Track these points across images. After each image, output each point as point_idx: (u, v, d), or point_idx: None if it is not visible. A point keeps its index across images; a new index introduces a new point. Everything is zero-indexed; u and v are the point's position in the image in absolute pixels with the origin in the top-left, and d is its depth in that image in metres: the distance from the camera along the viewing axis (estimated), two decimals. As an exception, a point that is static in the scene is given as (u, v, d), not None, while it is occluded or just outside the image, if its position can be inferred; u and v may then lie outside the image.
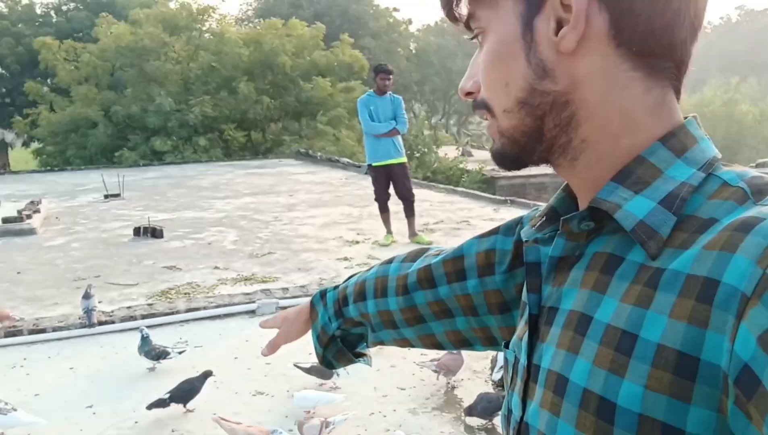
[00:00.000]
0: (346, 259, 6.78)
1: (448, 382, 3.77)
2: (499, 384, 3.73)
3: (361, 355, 1.08)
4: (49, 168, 19.74)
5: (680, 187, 0.54)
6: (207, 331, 4.74)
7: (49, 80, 24.06)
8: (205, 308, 5.06)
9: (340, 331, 1.05)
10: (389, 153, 7.04)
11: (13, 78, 26.76)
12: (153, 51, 20.83)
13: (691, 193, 0.54)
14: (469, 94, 0.64)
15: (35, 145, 23.96)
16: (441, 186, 12.51)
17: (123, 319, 4.82)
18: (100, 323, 4.72)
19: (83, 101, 20.50)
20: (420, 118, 26.20)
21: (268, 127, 21.63)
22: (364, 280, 1.01)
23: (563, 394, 0.54)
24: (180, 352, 4.09)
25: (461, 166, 18.85)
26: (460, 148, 22.38)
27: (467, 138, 29.84)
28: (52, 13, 29.09)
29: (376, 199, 7.34)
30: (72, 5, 28.79)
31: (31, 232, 8.62)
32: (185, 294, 5.69)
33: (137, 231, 8.22)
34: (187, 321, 4.92)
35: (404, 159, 7.24)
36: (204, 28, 23.11)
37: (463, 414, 3.39)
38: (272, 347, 1.10)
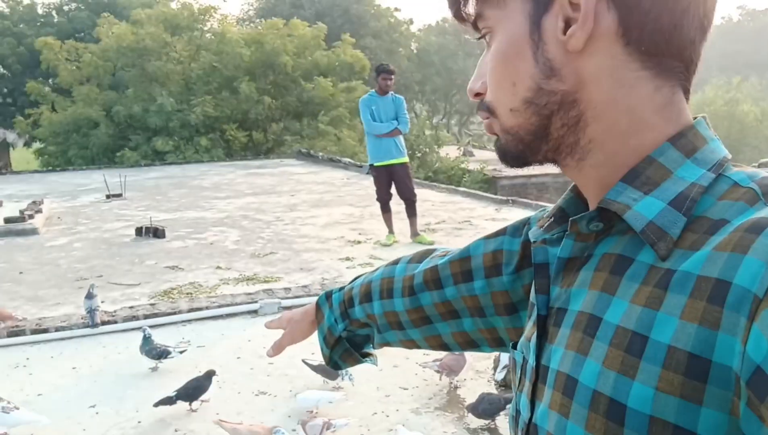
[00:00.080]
0: (348, 259, 6.78)
1: (451, 382, 3.77)
2: (502, 384, 3.73)
3: (368, 355, 1.08)
4: (50, 168, 19.75)
5: (690, 188, 0.54)
6: (209, 331, 4.74)
7: (50, 80, 24.07)
8: (207, 308, 5.06)
9: (347, 332, 1.04)
10: (391, 153, 7.04)
11: (15, 78, 26.79)
12: (154, 51, 20.85)
13: (701, 194, 0.53)
14: (478, 94, 0.64)
15: (37, 145, 23.97)
16: (442, 186, 12.51)
17: (125, 319, 4.82)
18: (103, 323, 4.73)
19: (85, 101, 20.52)
20: (421, 118, 26.17)
21: (270, 127, 21.64)
22: (370, 281, 1.01)
23: (572, 396, 0.54)
24: (181, 352, 4.09)
25: (463, 166, 18.83)
26: (462, 148, 22.36)
27: (468, 138, 29.82)
28: (54, 13, 29.12)
29: (377, 199, 7.34)
30: (73, 5, 28.81)
31: (34, 232, 8.62)
32: (187, 294, 5.69)
33: (139, 231, 8.23)
34: (189, 321, 4.92)
35: (406, 159, 7.24)
36: (205, 28, 23.12)
37: (466, 412, 3.39)
38: (277, 348, 1.10)
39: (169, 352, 4.01)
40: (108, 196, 11.61)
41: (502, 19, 0.59)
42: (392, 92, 7.14)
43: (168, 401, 3.44)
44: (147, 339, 4.03)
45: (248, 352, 4.31)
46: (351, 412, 3.46)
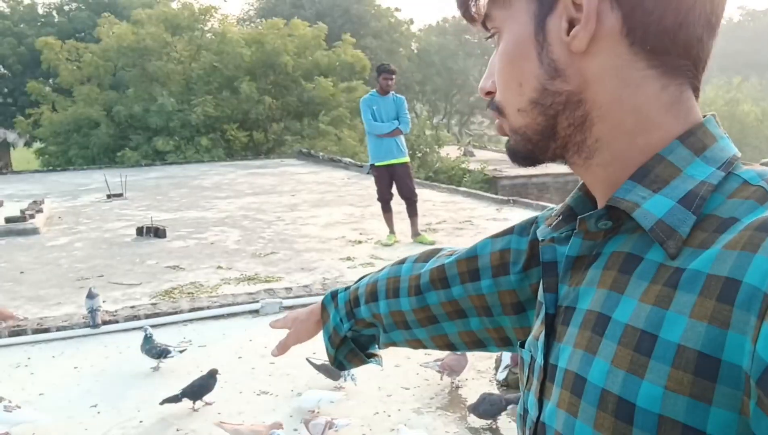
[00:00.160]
0: (349, 258, 6.78)
1: (453, 382, 3.77)
2: (504, 384, 3.73)
3: (373, 355, 1.07)
4: (51, 168, 19.75)
5: (699, 186, 0.54)
6: (211, 331, 4.74)
7: (51, 80, 24.07)
8: (208, 308, 5.06)
9: (352, 332, 1.04)
10: (392, 153, 7.04)
11: (16, 78, 26.80)
12: (155, 51, 20.85)
13: (710, 192, 0.53)
14: (489, 93, 0.64)
15: (37, 144, 23.98)
16: (443, 186, 12.50)
17: (127, 319, 4.82)
18: (104, 323, 4.73)
19: (85, 101, 20.52)
20: (422, 118, 26.16)
21: (270, 127, 21.64)
22: (376, 280, 1.01)
23: (581, 395, 0.54)
24: (181, 351, 4.09)
25: (463, 166, 18.83)
26: (462, 148, 22.34)
27: (469, 138, 29.80)
28: (54, 13, 29.12)
29: (378, 199, 7.35)
30: (74, 5, 28.81)
31: (34, 231, 8.62)
32: (188, 294, 5.69)
33: (140, 231, 8.23)
34: (190, 320, 4.92)
35: (407, 159, 7.24)
36: (206, 28, 23.13)
37: (467, 412, 3.38)
38: (282, 348, 1.10)
39: (169, 352, 4.02)
40: (109, 196, 11.61)
41: (508, 20, 0.60)
42: (393, 92, 7.14)
43: (174, 399, 3.45)
44: (148, 338, 4.04)
45: (250, 351, 4.31)
46: (353, 411, 3.47)
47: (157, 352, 4.01)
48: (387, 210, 7.33)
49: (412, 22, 36.06)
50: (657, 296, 0.51)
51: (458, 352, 3.61)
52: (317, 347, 3.53)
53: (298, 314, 1.11)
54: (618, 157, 0.58)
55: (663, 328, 0.49)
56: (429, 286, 0.92)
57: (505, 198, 10.53)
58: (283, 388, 3.77)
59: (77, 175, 16.09)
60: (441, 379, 3.80)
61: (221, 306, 5.09)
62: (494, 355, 4.00)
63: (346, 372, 3.61)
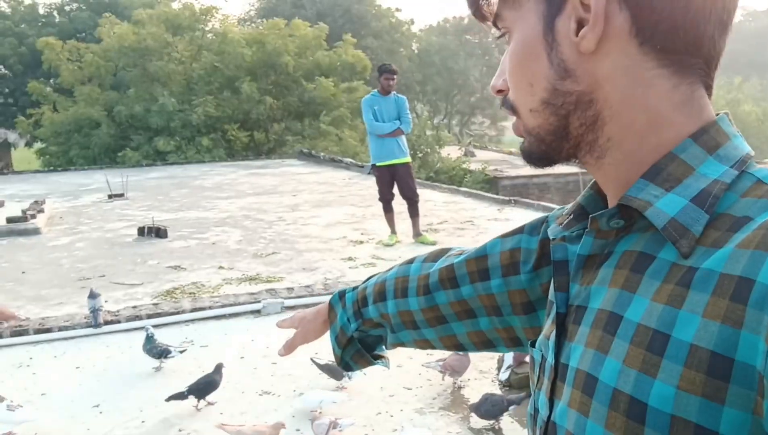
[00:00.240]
0: (350, 259, 6.78)
1: (455, 383, 3.77)
2: (506, 384, 3.73)
3: (380, 357, 1.07)
4: (52, 168, 19.77)
5: (712, 185, 0.53)
6: (212, 331, 4.74)
7: (52, 80, 24.11)
8: (210, 308, 5.06)
9: (359, 332, 1.04)
10: (393, 153, 7.04)
11: (16, 78, 26.83)
12: (156, 51, 20.87)
13: (723, 191, 0.53)
14: (500, 91, 0.64)
15: (38, 145, 24.00)
16: (444, 186, 12.51)
17: (129, 319, 4.82)
18: (106, 323, 4.73)
19: (86, 101, 20.54)
20: (422, 118, 26.18)
21: (271, 127, 21.66)
22: (384, 280, 1.00)
23: (592, 394, 0.54)
24: (181, 351, 4.09)
25: (464, 166, 18.83)
26: (463, 149, 22.35)
27: (470, 138, 29.80)
28: (55, 13, 29.16)
29: (380, 199, 7.34)
30: (75, 6, 28.85)
31: (36, 231, 8.63)
32: (190, 294, 5.69)
33: (141, 231, 8.24)
34: (192, 321, 4.92)
35: (408, 159, 7.24)
36: (207, 29, 23.16)
37: (469, 411, 3.38)
38: (289, 347, 1.10)
39: (169, 352, 4.02)
40: (110, 196, 11.62)
41: (518, 20, 0.60)
42: (395, 92, 7.15)
43: (180, 396, 3.46)
44: (149, 338, 4.04)
45: (252, 351, 4.31)
46: (355, 412, 3.46)
47: (157, 351, 4.01)
48: (388, 210, 7.33)
49: (412, 22, 36.13)
50: (669, 295, 0.51)
51: (461, 353, 3.61)
52: (319, 347, 3.53)
53: (305, 314, 1.11)
54: (630, 156, 0.58)
55: (676, 328, 0.49)
56: (438, 286, 0.92)
57: (507, 198, 10.53)
58: (285, 389, 3.77)
59: (78, 175, 16.10)
60: (443, 379, 3.80)
61: (223, 306, 5.09)
62: (496, 355, 4.00)
63: (349, 372, 3.62)
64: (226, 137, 20.46)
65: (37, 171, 18.73)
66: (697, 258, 0.51)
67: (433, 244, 7.13)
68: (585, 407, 0.54)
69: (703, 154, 0.55)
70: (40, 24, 27.70)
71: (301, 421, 3.38)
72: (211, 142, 19.73)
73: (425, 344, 0.98)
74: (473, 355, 3.79)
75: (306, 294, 5.26)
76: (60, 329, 4.69)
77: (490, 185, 16.50)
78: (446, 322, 0.93)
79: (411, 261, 1.00)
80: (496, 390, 3.67)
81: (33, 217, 9.05)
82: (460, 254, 0.92)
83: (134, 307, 5.12)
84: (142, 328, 4.37)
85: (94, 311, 4.63)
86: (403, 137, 7.17)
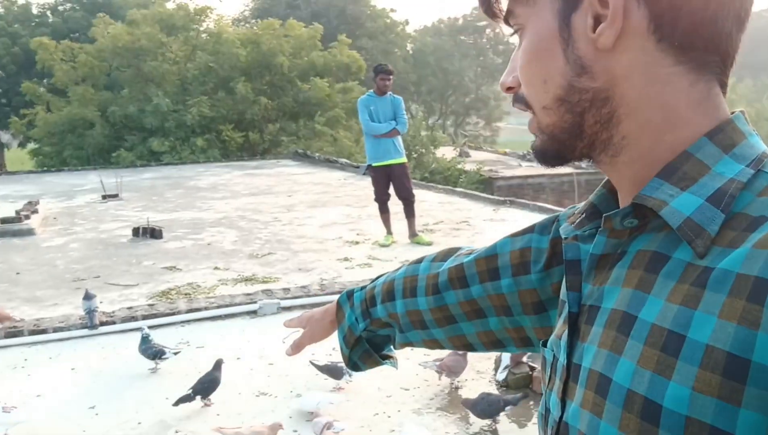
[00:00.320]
0: (346, 259, 6.77)
1: (452, 383, 3.77)
2: (503, 385, 3.73)
3: (388, 357, 1.07)
4: (45, 168, 19.65)
5: (728, 184, 0.53)
6: (208, 332, 4.72)
7: (45, 80, 23.99)
8: (206, 309, 5.04)
9: (367, 332, 1.03)
10: (389, 153, 7.04)
11: (10, 78, 26.71)
12: (150, 51, 20.81)
13: (739, 190, 0.52)
14: (510, 89, 0.64)
15: (32, 145, 23.89)
16: (440, 186, 12.51)
17: (124, 320, 4.80)
18: (102, 324, 4.71)
19: (80, 101, 20.45)
20: (417, 118, 26.19)
21: (266, 128, 21.62)
22: (393, 279, 1.00)
23: (606, 395, 0.53)
24: (175, 353, 4.07)
25: (459, 166, 18.84)
26: (458, 149, 22.37)
27: (464, 138, 29.80)
28: (49, 13, 29.06)
29: (376, 200, 7.34)
30: (68, 5, 28.75)
31: (30, 232, 8.58)
32: (186, 294, 5.67)
33: (136, 231, 8.20)
34: (188, 321, 4.90)
35: (404, 159, 7.24)
36: (201, 29, 23.10)
37: (468, 413, 3.38)
38: (297, 347, 1.09)
39: (164, 353, 4.00)
40: (104, 197, 11.57)
41: (532, 16, 0.59)
42: (390, 93, 7.14)
43: (187, 399, 3.45)
44: (145, 339, 4.02)
45: (248, 352, 4.30)
46: (352, 412, 3.46)
47: (152, 352, 4.00)
48: (384, 211, 7.32)
49: (407, 23, 36.18)
50: (685, 296, 0.50)
51: (459, 353, 3.61)
52: (315, 348, 3.51)
53: (313, 313, 1.10)
54: (645, 155, 0.57)
55: (691, 329, 0.48)
56: (447, 286, 0.91)
57: (502, 198, 10.54)
58: (281, 389, 3.76)
59: (72, 175, 16.02)
60: (439, 378, 3.79)
61: (219, 307, 5.07)
62: (493, 355, 3.99)
63: (346, 374, 3.61)
64: (221, 138, 20.41)
65: (31, 171, 18.61)
66: (713, 258, 0.50)
67: (429, 244, 7.13)
68: (598, 408, 0.54)
69: (718, 153, 0.55)
70: (33, 24, 27.60)
71: (298, 422, 3.37)
72: (206, 142, 19.68)
73: (434, 344, 0.97)
74: (470, 355, 3.79)
75: (302, 294, 5.25)
76: (55, 330, 4.66)
77: (485, 186, 16.51)
78: (455, 322, 0.92)
79: (420, 260, 1.00)
80: (494, 390, 3.66)
81: (27, 217, 9.00)
82: (470, 254, 0.91)
83: (129, 308, 5.10)
84: (137, 329, 4.36)
85: (90, 312, 4.61)
86: (399, 137, 7.17)
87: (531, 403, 3.52)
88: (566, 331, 0.61)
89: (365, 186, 9.75)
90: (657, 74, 0.55)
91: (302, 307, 4.91)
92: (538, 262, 0.83)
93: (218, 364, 3.59)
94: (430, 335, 0.96)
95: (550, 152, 0.62)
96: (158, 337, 4.22)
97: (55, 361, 4.28)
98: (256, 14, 33.89)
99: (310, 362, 3.74)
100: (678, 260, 0.53)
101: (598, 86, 0.56)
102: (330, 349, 4.06)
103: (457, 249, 0.97)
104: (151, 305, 5.18)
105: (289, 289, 5.46)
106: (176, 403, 3.44)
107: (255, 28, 24.27)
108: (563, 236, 0.66)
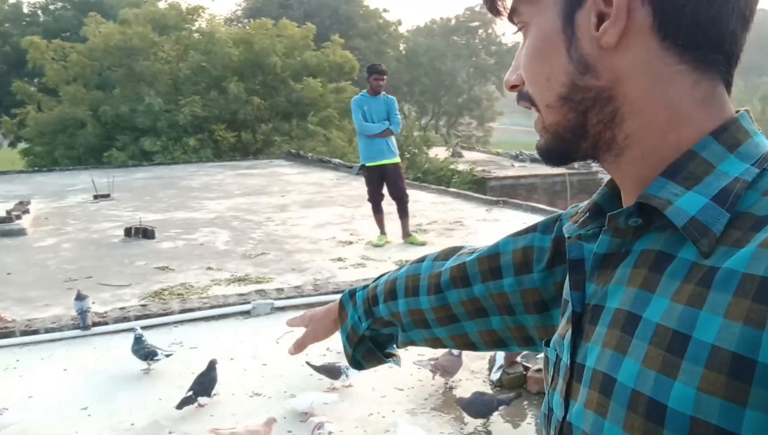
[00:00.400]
0: (340, 259, 6.76)
1: (446, 383, 3.77)
2: (498, 384, 3.73)
3: (391, 355, 1.07)
4: (36, 168, 19.52)
5: (734, 183, 0.53)
6: (201, 332, 4.70)
7: (36, 80, 23.84)
8: (199, 309, 5.02)
9: (370, 331, 1.03)
10: (383, 153, 7.03)
11: (1, 78, 26.52)
12: (142, 51, 20.71)
13: (745, 190, 0.52)
14: (514, 87, 0.64)
15: (22, 145, 23.73)
16: (433, 187, 12.51)
17: (116, 320, 4.77)
18: (94, 324, 4.68)
19: (71, 101, 20.33)
20: (410, 119, 26.19)
21: (259, 128, 21.57)
22: (395, 278, 1.00)
23: (610, 395, 0.53)
24: (168, 355, 4.04)
25: (452, 167, 18.85)
26: (451, 149, 22.38)
27: (457, 139, 29.82)
28: (40, 12, 28.91)
29: (369, 200, 7.33)
30: (59, 4, 28.62)
31: (21, 232, 8.53)
32: (179, 295, 5.65)
33: (128, 231, 8.16)
34: (181, 322, 4.88)
35: (398, 159, 7.24)
36: (193, 28, 23.02)
37: (462, 413, 3.38)
38: (299, 346, 1.09)
39: (156, 353, 3.98)
40: (96, 197, 11.51)
41: (536, 15, 0.59)
42: (384, 93, 7.14)
43: (189, 401, 3.43)
44: (138, 339, 4.00)
45: (241, 353, 4.28)
46: (347, 413, 3.45)
47: (144, 353, 3.97)
48: (378, 211, 7.32)
49: (400, 23, 36.16)
50: (690, 296, 0.50)
51: (455, 353, 3.61)
52: (309, 348, 3.50)
53: (315, 312, 1.10)
54: (649, 154, 0.57)
55: (696, 329, 0.48)
56: (449, 285, 0.91)
57: (495, 199, 10.55)
58: (275, 390, 3.75)
59: (63, 175, 15.93)
60: (433, 378, 3.79)
61: (212, 307, 5.05)
62: (488, 355, 4.00)
63: (344, 373, 3.61)
64: (213, 137, 20.35)
65: (22, 171, 18.47)
66: (718, 257, 0.50)
67: (423, 244, 7.13)
68: (602, 408, 0.54)
69: (723, 152, 0.54)
70: (24, 23, 27.45)
71: (292, 422, 3.37)
72: (198, 142, 19.61)
73: (436, 343, 0.97)
74: (465, 355, 3.79)
75: (296, 295, 5.23)
76: (47, 331, 4.63)
77: (478, 186, 16.51)
78: (458, 321, 0.92)
79: (421, 259, 1.00)
80: (488, 390, 3.66)
81: (18, 217, 8.94)
82: (472, 253, 0.91)
83: (122, 308, 5.07)
84: (130, 329, 4.33)
85: (82, 313, 4.58)
86: (393, 138, 7.16)
87: (525, 402, 3.53)
88: (570, 331, 0.61)
89: (358, 186, 9.75)
90: (661, 73, 0.55)
91: (296, 307, 4.90)
92: (540, 261, 0.83)
93: (212, 365, 3.58)
94: (432, 334, 0.96)
95: (554, 152, 0.62)
96: (151, 338, 4.20)
97: (47, 362, 4.25)
98: (248, 14, 33.81)
99: (307, 363, 3.73)
100: (683, 260, 0.53)
101: (601, 85, 0.56)
102: (324, 349, 4.06)
103: (459, 248, 0.97)
104: (143, 306, 5.16)
105: (282, 290, 5.45)
106: (179, 406, 3.41)
107: (247, 27, 24.22)
108: (566, 235, 0.65)
